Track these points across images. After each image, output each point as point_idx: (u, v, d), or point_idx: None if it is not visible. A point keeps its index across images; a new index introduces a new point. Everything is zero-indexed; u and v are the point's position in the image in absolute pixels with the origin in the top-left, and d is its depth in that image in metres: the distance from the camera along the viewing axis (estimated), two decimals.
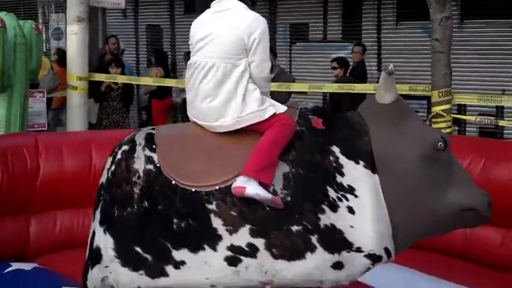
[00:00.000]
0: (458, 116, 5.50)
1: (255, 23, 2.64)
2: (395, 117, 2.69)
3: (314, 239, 2.47)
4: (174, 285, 2.48)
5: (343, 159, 2.62)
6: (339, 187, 2.57)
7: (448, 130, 4.86)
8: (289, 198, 2.50)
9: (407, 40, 8.71)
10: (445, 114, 4.91)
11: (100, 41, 12.14)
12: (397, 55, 8.80)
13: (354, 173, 2.60)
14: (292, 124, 2.61)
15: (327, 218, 2.51)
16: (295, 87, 6.14)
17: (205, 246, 2.45)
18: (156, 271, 2.48)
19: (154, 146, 2.62)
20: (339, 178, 2.58)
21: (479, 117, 5.68)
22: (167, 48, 11.43)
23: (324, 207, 2.52)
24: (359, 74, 7.78)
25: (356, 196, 2.56)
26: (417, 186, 2.63)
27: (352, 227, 2.52)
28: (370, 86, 5.89)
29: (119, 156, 2.66)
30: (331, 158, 2.61)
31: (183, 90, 7.85)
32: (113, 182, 2.63)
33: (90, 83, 6.82)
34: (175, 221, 2.48)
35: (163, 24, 11.53)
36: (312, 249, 2.46)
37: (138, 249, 2.50)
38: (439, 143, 2.66)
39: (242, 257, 2.44)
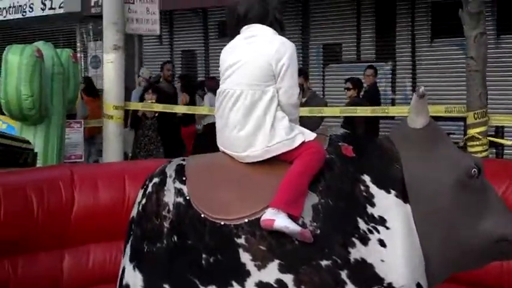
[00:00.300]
0: (494, 139, 5.34)
1: (282, 48, 2.61)
2: (427, 143, 2.62)
3: (344, 274, 2.41)
4: None
5: (374, 189, 2.55)
6: (370, 218, 2.50)
7: (484, 154, 4.73)
8: (318, 231, 2.45)
9: (442, 58, 8.60)
10: (480, 137, 4.78)
11: (136, 67, 12.37)
12: (432, 74, 8.69)
13: (385, 203, 2.53)
14: (321, 152, 2.57)
15: (357, 251, 2.44)
16: (326, 111, 6.10)
17: (233, 283, 2.42)
18: None
19: (184, 178, 2.61)
20: (369, 209, 2.52)
21: None
22: (201, 73, 11.56)
23: (355, 240, 2.46)
24: (372, 97, 7.71)
25: (387, 228, 2.49)
26: (450, 215, 2.56)
27: (383, 261, 2.45)
28: (404, 109, 5.79)
29: (149, 189, 2.67)
30: (362, 187, 2.55)
31: (204, 117, 7.96)
32: (143, 216, 2.63)
33: (126, 111, 6.92)
34: (204, 256, 2.47)
35: (197, 49, 11.66)
36: (342, 285, 2.41)
37: (166, 286, 2.49)
38: (473, 170, 2.58)
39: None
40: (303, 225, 2.45)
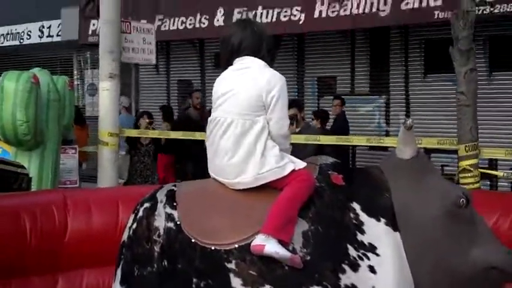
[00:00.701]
0: (485, 171, 5.40)
1: (273, 80, 2.68)
2: (415, 173, 2.67)
3: None
4: None
5: (363, 217, 2.59)
6: (360, 245, 2.53)
7: (476, 185, 4.78)
8: (308, 257, 2.48)
9: (435, 92, 8.71)
10: (472, 169, 4.84)
11: (132, 96, 12.45)
12: (425, 107, 8.79)
13: (375, 230, 2.57)
14: (310, 180, 2.62)
15: (347, 278, 2.47)
16: (323, 140, 6.16)
17: None
18: None
19: (175, 204, 2.65)
20: (359, 236, 2.55)
21: (507, 171, 5.58)
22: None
23: (345, 266, 2.49)
24: (340, 127, 7.86)
25: (377, 255, 2.52)
26: (439, 244, 2.58)
27: (373, 287, 2.48)
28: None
29: (140, 213, 2.70)
30: (352, 215, 2.59)
31: None
32: (134, 241, 2.66)
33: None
34: (194, 280, 2.49)
35: (193, 78, 11.77)
36: None
37: None
38: (461, 200, 2.63)
39: None
40: (293, 251, 2.48)
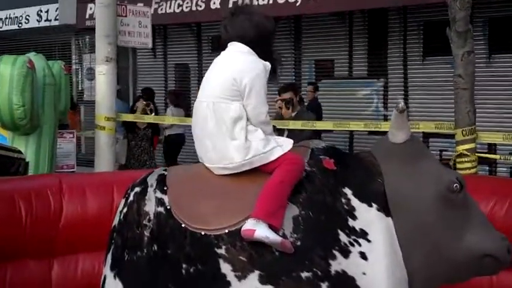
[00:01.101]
0: (483, 155, 5.37)
1: (248, 67, 2.65)
2: (408, 157, 2.61)
3: (324, 286, 2.42)
4: None
5: (355, 202, 2.56)
6: (351, 231, 2.50)
7: (473, 170, 4.75)
8: (299, 243, 2.45)
9: (433, 75, 8.66)
10: (469, 153, 4.81)
11: (130, 80, 12.41)
12: (424, 91, 8.75)
13: (367, 216, 2.53)
14: (299, 163, 2.58)
15: (338, 264, 2.45)
16: (319, 125, 6.14)
17: None
18: None
19: (165, 188, 2.63)
20: (351, 222, 2.52)
21: (505, 156, 5.56)
22: (194, 86, 11.61)
23: (335, 252, 2.46)
24: (313, 112, 7.84)
25: (369, 241, 2.50)
26: (432, 230, 2.55)
27: (364, 274, 2.46)
28: None
29: (131, 198, 2.68)
30: (343, 200, 2.55)
31: (167, 128, 7.99)
32: (124, 225, 2.64)
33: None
34: (184, 265, 2.47)
35: (191, 62, 11.72)
36: None
37: None
38: (454, 185, 2.59)
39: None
40: (284, 236, 2.45)
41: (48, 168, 5.67)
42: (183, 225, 2.51)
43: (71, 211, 3.58)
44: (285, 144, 2.68)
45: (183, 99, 10.15)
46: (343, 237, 2.49)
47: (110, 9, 6.66)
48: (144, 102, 7.84)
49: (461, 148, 4.86)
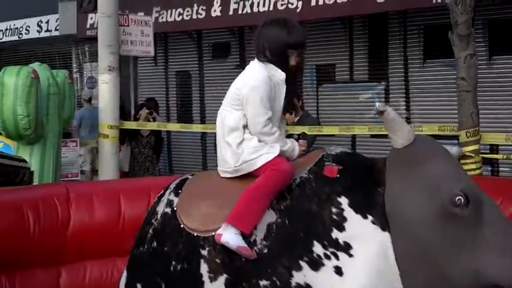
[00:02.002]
0: (486, 156, 5.39)
1: (249, 78, 2.73)
2: (410, 164, 2.33)
3: None
4: None
5: (349, 212, 2.37)
6: (331, 243, 2.33)
7: (477, 171, 4.76)
8: (266, 250, 2.40)
9: (434, 78, 8.68)
10: (473, 155, 4.81)
11: (132, 89, 12.43)
12: (425, 93, 8.76)
13: (359, 228, 2.32)
14: (282, 169, 2.57)
15: (302, 276, 2.33)
16: (325, 130, 6.14)
17: None
18: None
19: (180, 191, 2.76)
20: (335, 233, 2.35)
21: (508, 155, 5.57)
22: (196, 94, 11.63)
23: (302, 263, 2.33)
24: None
25: (350, 255, 2.31)
26: (433, 250, 2.25)
27: None
28: None
29: (155, 199, 2.89)
30: (334, 210, 2.38)
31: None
32: (143, 224, 2.85)
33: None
34: (173, 263, 2.58)
35: (192, 70, 11.75)
36: None
37: (139, 286, 2.69)
38: (457, 198, 2.25)
39: None
40: (254, 242, 2.44)
41: (53, 177, 5.68)
42: (181, 226, 2.63)
43: (79, 219, 3.61)
44: (273, 151, 2.66)
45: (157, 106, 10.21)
46: (318, 249, 2.35)
47: (112, 19, 6.72)
48: (147, 110, 7.89)
49: (465, 150, 4.87)
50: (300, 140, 2.80)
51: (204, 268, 2.52)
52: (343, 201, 2.40)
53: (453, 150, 2.50)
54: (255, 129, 2.68)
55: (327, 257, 2.32)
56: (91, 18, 11.64)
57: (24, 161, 5.22)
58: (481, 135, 4.98)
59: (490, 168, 7.47)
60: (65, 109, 6.10)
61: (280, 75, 2.72)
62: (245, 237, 2.45)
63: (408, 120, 8.83)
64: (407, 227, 2.28)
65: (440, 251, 2.24)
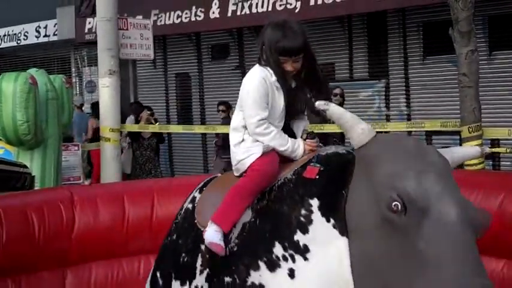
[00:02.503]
0: (489, 149, 5.38)
1: (245, 80, 2.72)
2: (364, 167, 2.15)
3: None
4: None
5: (316, 215, 2.27)
6: (291, 245, 2.28)
7: (480, 166, 4.76)
8: (235, 249, 2.46)
9: (435, 74, 8.69)
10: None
11: (131, 92, 12.43)
12: (425, 90, 8.76)
13: (320, 231, 2.22)
14: (260, 170, 2.57)
15: (258, 276, 2.33)
16: (326, 128, 6.15)
17: (187, 282, 2.63)
18: None
19: (204, 189, 2.86)
20: (297, 235, 2.27)
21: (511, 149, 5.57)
22: (195, 95, 11.63)
23: (261, 263, 2.32)
24: None
25: (306, 259, 2.23)
26: (378, 259, 2.04)
27: None
28: (402, 124, 5.85)
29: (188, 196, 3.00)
30: (303, 212, 2.30)
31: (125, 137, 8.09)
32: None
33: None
34: (182, 254, 2.70)
35: (191, 72, 11.75)
36: None
37: (157, 273, 2.85)
38: (393, 203, 1.96)
39: None
40: (229, 240, 2.51)
41: (54, 181, 5.69)
42: (195, 221, 2.73)
43: (83, 222, 3.61)
44: (258, 151, 2.65)
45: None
46: (278, 250, 2.30)
47: (111, 22, 6.73)
48: (149, 112, 7.90)
49: (468, 145, 4.85)
50: (308, 140, 2.70)
51: (198, 262, 2.61)
52: (314, 203, 2.31)
53: (473, 150, 2.39)
54: (249, 130, 2.69)
55: (285, 259, 2.28)
56: (89, 22, 11.65)
57: (25, 166, 5.22)
58: (483, 130, 4.98)
59: (491, 162, 7.48)
60: (64, 113, 6.10)
61: (275, 79, 2.66)
62: (226, 235, 2.53)
63: (409, 117, 8.84)
64: (358, 233, 2.13)
65: (383, 261, 2.02)
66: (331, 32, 9.60)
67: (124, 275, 3.68)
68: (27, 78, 5.41)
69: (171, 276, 2.72)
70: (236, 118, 2.74)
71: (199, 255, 2.60)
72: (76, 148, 6.46)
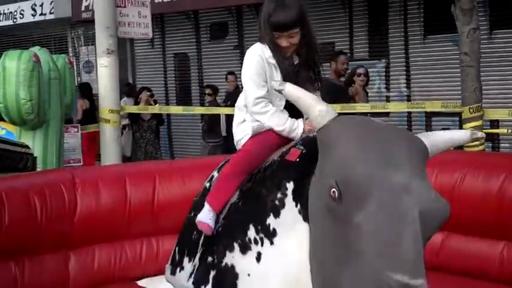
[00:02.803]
0: (490, 131, 5.37)
1: (245, 57, 2.66)
2: (321, 151, 2.03)
3: (212, 274, 2.44)
4: (174, 284, 2.85)
5: (289, 199, 2.23)
6: (262, 229, 2.28)
7: (481, 147, 4.75)
8: (220, 229, 2.50)
9: (436, 54, 8.64)
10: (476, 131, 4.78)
11: (129, 72, 12.37)
12: (426, 70, 8.73)
13: (289, 216, 2.19)
14: (246, 150, 2.56)
15: (231, 257, 2.36)
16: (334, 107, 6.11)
17: (192, 259, 2.69)
18: (174, 269, 2.85)
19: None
20: (270, 219, 2.25)
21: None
22: (194, 75, 11.57)
23: (236, 245, 2.35)
24: (233, 100, 8.31)
25: (272, 243, 2.23)
26: (322, 250, 1.96)
27: (249, 275, 2.28)
28: (402, 105, 5.83)
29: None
30: (279, 195, 2.26)
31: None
32: None
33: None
34: (194, 232, 2.73)
35: (189, 51, 11.68)
36: (205, 284, 2.45)
37: (177, 248, 2.92)
38: (332, 190, 1.86)
39: (192, 275, 2.59)
40: (218, 220, 2.56)
41: (56, 162, 5.66)
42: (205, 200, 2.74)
43: (85, 204, 3.60)
44: (249, 132, 2.62)
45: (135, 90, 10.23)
46: (252, 233, 2.31)
47: (109, 0, 6.62)
48: (148, 93, 7.84)
49: (468, 126, 4.86)
50: (307, 120, 2.58)
51: (201, 240, 2.66)
52: (290, 186, 2.25)
53: (462, 134, 2.19)
54: (248, 108, 2.64)
55: (256, 242, 2.28)
56: (86, 0, 11.53)
57: (27, 147, 5.21)
58: (484, 111, 4.96)
59: (490, 144, 7.47)
60: (66, 94, 6.05)
61: (270, 55, 2.58)
62: (215, 215, 2.58)
63: (409, 97, 8.82)
64: (311, 219, 2.07)
65: (325, 251, 1.92)
66: (332, 11, 9.53)
67: (126, 258, 3.69)
68: (31, 56, 5.36)
69: (184, 252, 2.79)
70: (240, 97, 2.71)
71: (203, 234, 2.64)
72: (76, 130, 6.42)
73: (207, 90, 8.96)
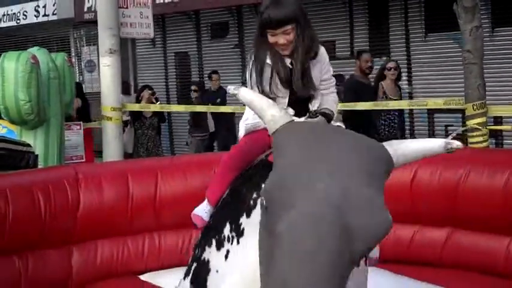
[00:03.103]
0: (494, 127, 5.36)
1: None
2: (275, 154, 1.92)
3: (194, 266, 2.46)
4: None
5: (261, 200, 2.10)
6: (235, 227, 2.29)
7: (484, 144, 4.74)
8: (210, 223, 2.52)
9: (437, 52, 8.63)
10: (480, 127, 4.79)
11: (131, 71, 12.38)
12: (427, 68, 8.72)
13: (256, 216, 2.12)
14: (237, 147, 2.55)
15: (209, 252, 2.39)
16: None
17: (202, 250, 2.57)
18: None
19: None
20: (243, 218, 2.26)
21: None
22: (195, 74, 11.58)
23: (213, 241, 2.38)
24: (214, 98, 8.93)
25: (238, 243, 2.26)
26: (260, 256, 1.84)
27: (217, 272, 2.31)
28: (404, 102, 5.82)
29: None
30: (254, 195, 2.24)
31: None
32: None
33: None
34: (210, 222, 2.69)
35: (190, 50, 11.69)
36: (188, 275, 2.48)
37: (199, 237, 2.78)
38: (259, 199, 1.93)
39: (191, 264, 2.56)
40: (210, 213, 2.56)
41: (57, 160, 5.67)
42: None
43: (88, 200, 3.62)
44: (243, 130, 2.61)
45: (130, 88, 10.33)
46: (227, 230, 2.34)
47: (111, 1, 6.67)
48: (150, 92, 7.88)
49: (472, 122, 4.85)
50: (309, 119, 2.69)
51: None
52: None
53: (434, 144, 1.98)
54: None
55: (228, 240, 2.30)
56: (88, 1, 11.56)
57: (28, 145, 5.22)
58: (488, 107, 4.95)
59: (494, 140, 7.46)
60: (66, 93, 6.06)
61: (262, 53, 2.49)
62: (210, 207, 2.57)
63: (411, 95, 8.81)
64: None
65: (261, 259, 1.81)
66: (332, 8, 9.52)
67: (129, 253, 3.70)
68: (29, 57, 5.37)
69: (201, 244, 2.69)
70: None
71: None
72: (78, 127, 6.43)
73: (193, 87, 9.20)
